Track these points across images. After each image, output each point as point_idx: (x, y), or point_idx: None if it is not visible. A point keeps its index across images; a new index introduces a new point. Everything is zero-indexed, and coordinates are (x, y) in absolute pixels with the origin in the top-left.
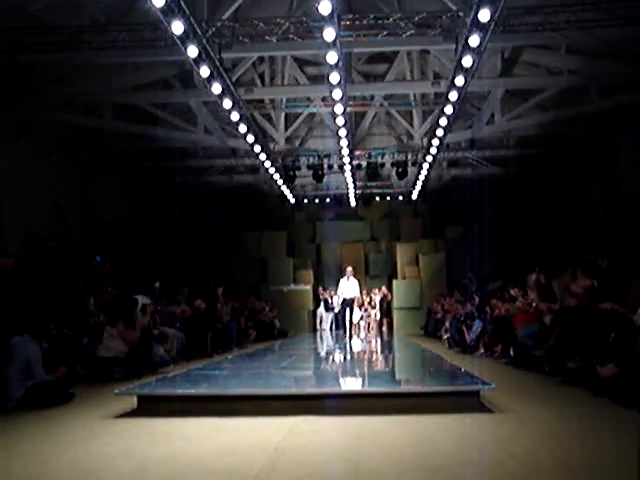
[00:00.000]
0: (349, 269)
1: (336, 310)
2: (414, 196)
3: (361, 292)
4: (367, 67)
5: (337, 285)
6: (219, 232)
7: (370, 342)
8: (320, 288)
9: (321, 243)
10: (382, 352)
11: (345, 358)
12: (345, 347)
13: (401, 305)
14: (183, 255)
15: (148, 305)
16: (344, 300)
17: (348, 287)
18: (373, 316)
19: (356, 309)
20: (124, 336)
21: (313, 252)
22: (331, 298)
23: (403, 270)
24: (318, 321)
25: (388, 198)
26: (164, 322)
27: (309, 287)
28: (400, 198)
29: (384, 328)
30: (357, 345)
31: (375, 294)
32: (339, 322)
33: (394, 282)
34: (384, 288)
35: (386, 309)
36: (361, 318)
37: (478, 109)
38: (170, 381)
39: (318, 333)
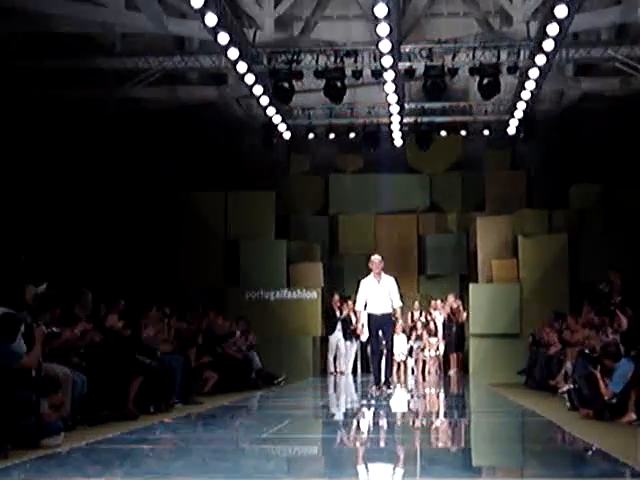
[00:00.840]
0: (375, 259)
1: (364, 337)
2: (511, 129)
3: (404, 303)
4: None
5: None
6: (153, 190)
7: (425, 396)
8: (336, 297)
9: (339, 214)
10: (448, 415)
11: (379, 425)
12: (380, 405)
13: (484, 330)
14: (85, 232)
15: (36, 327)
16: (370, 318)
17: (377, 293)
18: (432, 350)
19: (400, 336)
20: None
21: (324, 231)
22: (356, 315)
23: (488, 265)
24: (331, 357)
25: (463, 133)
26: (50, 355)
27: (315, 294)
28: (486, 133)
29: (452, 371)
30: (402, 402)
31: (436, 309)
32: (370, 359)
33: (471, 287)
34: (452, 298)
35: (456, 337)
36: (410, 353)
37: None
38: (60, 461)
39: (332, 378)
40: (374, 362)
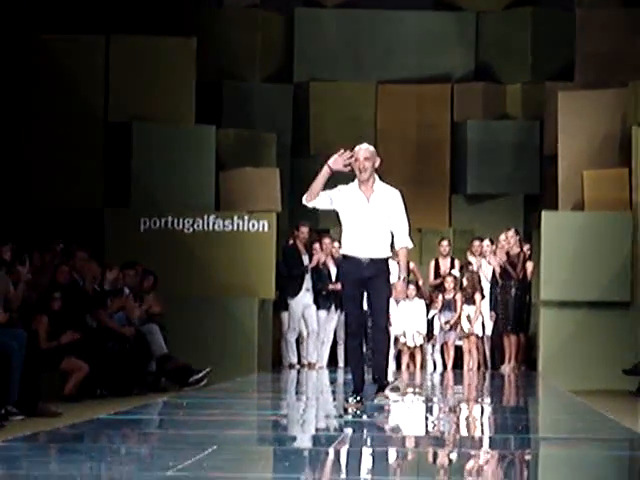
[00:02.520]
0: (362, 151)
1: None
2: None
3: (423, 243)
4: None
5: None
6: None
7: (457, 410)
8: (303, 230)
9: (312, 82)
10: (497, 446)
11: (370, 461)
12: (375, 424)
13: (565, 295)
14: None
15: None
16: (347, 265)
17: (364, 220)
18: (472, 328)
19: (415, 302)
20: None
21: (285, 111)
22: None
23: (576, 179)
24: (293, 337)
25: None
26: None
27: (267, 225)
28: None
29: (507, 367)
30: (415, 419)
31: (481, 255)
32: (350, 340)
33: (545, 218)
34: (510, 238)
35: (516, 306)
36: (430, 332)
37: None
38: None
39: (292, 375)
40: (350, 351)
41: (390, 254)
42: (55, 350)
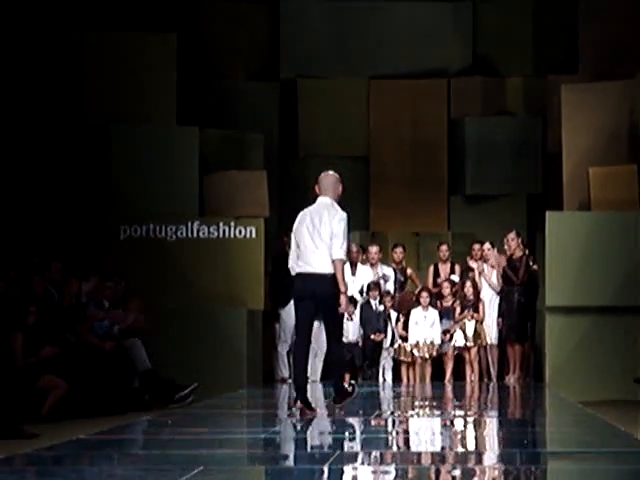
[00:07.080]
0: (329, 177)
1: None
2: None
3: (419, 245)
4: None
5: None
6: None
7: (460, 423)
8: (291, 235)
9: (299, 78)
10: (504, 460)
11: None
12: (372, 439)
13: (571, 301)
14: None
15: None
16: (296, 282)
17: (313, 238)
18: (475, 337)
19: (421, 313)
20: None
21: (272, 110)
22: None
23: (582, 177)
24: (284, 350)
25: None
26: None
27: (254, 231)
28: None
29: (512, 377)
30: (411, 431)
31: (482, 259)
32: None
33: (549, 219)
34: (512, 241)
35: (519, 313)
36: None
37: None
38: None
39: (283, 390)
40: (295, 360)
41: (331, 269)
42: (32, 367)
